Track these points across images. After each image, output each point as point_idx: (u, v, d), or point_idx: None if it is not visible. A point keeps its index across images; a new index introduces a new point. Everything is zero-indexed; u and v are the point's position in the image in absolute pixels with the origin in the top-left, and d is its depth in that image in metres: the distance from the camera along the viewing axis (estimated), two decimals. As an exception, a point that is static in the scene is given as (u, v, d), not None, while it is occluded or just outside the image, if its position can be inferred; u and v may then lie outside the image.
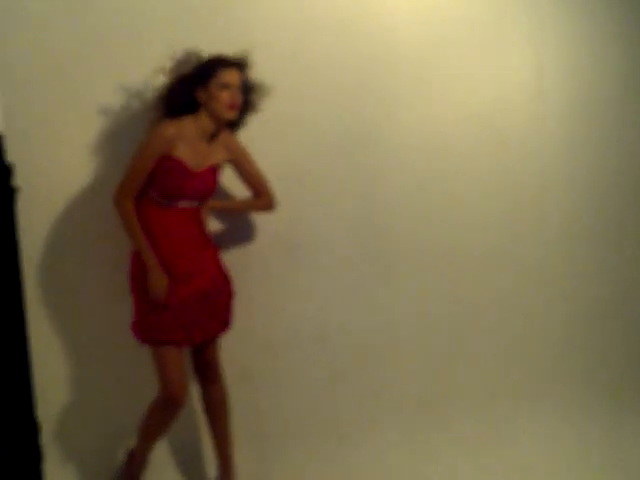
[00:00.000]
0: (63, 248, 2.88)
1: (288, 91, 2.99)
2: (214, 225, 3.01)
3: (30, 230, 2.74)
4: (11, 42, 2.70)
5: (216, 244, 2.89)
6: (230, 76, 2.61)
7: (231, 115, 2.64)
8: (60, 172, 2.82)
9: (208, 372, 2.84)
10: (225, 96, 2.60)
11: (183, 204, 2.65)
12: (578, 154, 3.61)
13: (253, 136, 2.87)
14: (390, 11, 3.23)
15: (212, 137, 2.71)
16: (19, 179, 2.42)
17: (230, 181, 2.93)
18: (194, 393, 2.95)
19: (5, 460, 2.22)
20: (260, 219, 3.06)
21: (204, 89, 2.62)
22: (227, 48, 2.69)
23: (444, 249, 3.40)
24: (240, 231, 3.08)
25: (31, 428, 2.37)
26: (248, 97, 2.75)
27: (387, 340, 3.36)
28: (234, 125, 2.80)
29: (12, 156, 2.31)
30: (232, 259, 2.96)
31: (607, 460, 3.21)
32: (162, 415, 2.66)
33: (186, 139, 2.61)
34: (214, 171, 2.71)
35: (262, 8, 3.03)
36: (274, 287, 3.17)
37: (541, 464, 3.18)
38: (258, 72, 2.75)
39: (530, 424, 3.47)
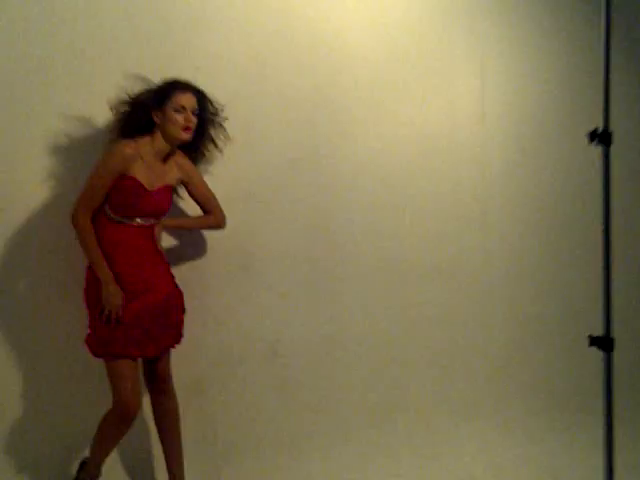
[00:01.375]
0: (18, 263, 2.92)
1: (241, 110, 3.07)
2: (170, 241, 3.07)
3: None
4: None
5: (171, 260, 2.96)
6: (185, 99, 2.71)
7: (185, 137, 2.73)
8: (15, 190, 2.87)
9: (160, 384, 2.89)
10: (180, 118, 2.69)
11: (138, 221, 2.72)
12: (518, 171, 3.76)
13: (207, 155, 2.96)
14: (346, 33, 3.35)
15: (167, 157, 2.79)
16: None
17: (185, 201, 3.02)
18: (145, 403, 2.98)
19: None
20: (214, 235, 3.13)
21: (160, 111, 2.71)
22: (180, 69, 2.81)
23: (393, 266, 3.51)
24: (195, 247, 3.14)
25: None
26: (206, 128, 2.86)
27: (336, 354, 3.44)
28: (195, 154, 2.90)
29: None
30: (187, 274, 3.03)
31: (541, 475, 3.28)
32: (116, 426, 2.71)
33: (142, 159, 2.69)
34: (168, 190, 2.79)
35: (216, 28, 3.11)
36: (228, 301, 3.24)
37: (480, 476, 3.24)
38: (212, 93, 2.84)
39: (470, 438, 3.55)
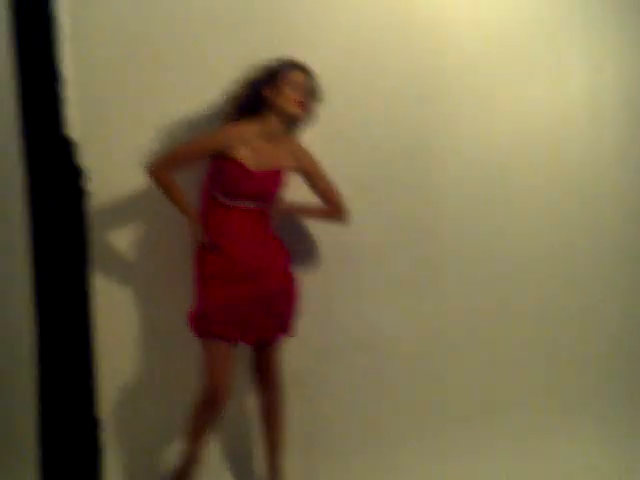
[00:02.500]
0: (131, 247, 3.00)
1: (347, 100, 3.03)
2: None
3: (100, 231, 2.88)
4: (90, 49, 2.80)
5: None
6: (299, 77, 2.71)
7: (297, 110, 2.71)
8: (131, 176, 2.91)
9: (265, 375, 2.90)
10: (293, 93, 2.68)
11: (245, 204, 2.71)
12: (633, 172, 3.56)
13: (312, 147, 2.90)
14: (455, 24, 3.24)
15: (278, 140, 2.76)
16: (91, 183, 2.48)
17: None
18: (249, 392, 3.04)
19: (66, 454, 2.26)
20: (318, 226, 3.08)
21: (273, 87, 2.69)
22: (288, 50, 2.82)
23: (496, 262, 3.38)
24: (298, 237, 3.11)
25: (92, 423, 2.42)
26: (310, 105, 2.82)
27: (435, 351, 3.36)
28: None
29: (86, 160, 2.36)
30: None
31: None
32: (204, 410, 2.71)
33: (249, 140, 2.69)
34: (277, 174, 2.76)
35: (322, 16, 3.09)
36: (329, 294, 3.20)
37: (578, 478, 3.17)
38: (321, 76, 2.82)
39: (573, 439, 3.43)
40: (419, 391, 3.35)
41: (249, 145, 2.69)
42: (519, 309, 3.44)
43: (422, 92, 3.22)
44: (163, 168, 2.66)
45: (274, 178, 2.75)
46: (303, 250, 3.12)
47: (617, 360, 3.61)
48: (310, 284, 3.08)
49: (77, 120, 2.17)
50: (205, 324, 2.67)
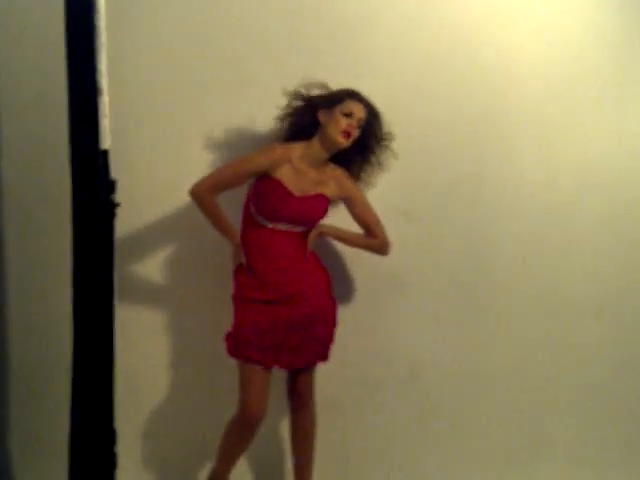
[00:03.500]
0: (159, 260, 3.01)
1: (401, 124, 2.90)
2: (318, 251, 2.96)
3: (127, 243, 2.86)
4: (126, 60, 2.80)
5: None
6: (355, 107, 2.66)
7: (342, 140, 2.65)
8: (159, 188, 2.95)
9: (298, 399, 2.84)
10: (343, 122, 2.63)
11: (284, 227, 2.68)
12: None
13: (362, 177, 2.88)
14: (518, 64, 3.15)
15: (322, 165, 2.73)
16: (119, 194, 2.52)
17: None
18: (283, 416, 2.99)
19: (81, 466, 2.27)
20: (363, 251, 2.99)
21: (328, 111, 2.67)
22: (341, 77, 2.78)
23: (547, 296, 3.25)
24: (342, 261, 3.07)
25: (108, 436, 2.42)
26: (370, 144, 2.78)
27: (478, 386, 3.25)
28: (349, 168, 2.83)
29: (115, 171, 2.41)
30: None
31: None
32: (238, 433, 2.69)
33: (292, 163, 2.67)
34: (320, 200, 2.72)
35: (381, 39, 3.05)
36: (371, 320, 3.13)
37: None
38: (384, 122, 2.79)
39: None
40: (459, 425, 3.25)
41: (293, 167, 2.67)
42: (567, 346, 3.29)
43: (479, 120, 3.14)
44: (206, 190, 2.65)
45: (314, 203, 2.72)
46: (343, 275, 3.08)
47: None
48: (351, 310, 3.04)
49: (108, 132, 2.19)
50: (239, 346, 2.65)
